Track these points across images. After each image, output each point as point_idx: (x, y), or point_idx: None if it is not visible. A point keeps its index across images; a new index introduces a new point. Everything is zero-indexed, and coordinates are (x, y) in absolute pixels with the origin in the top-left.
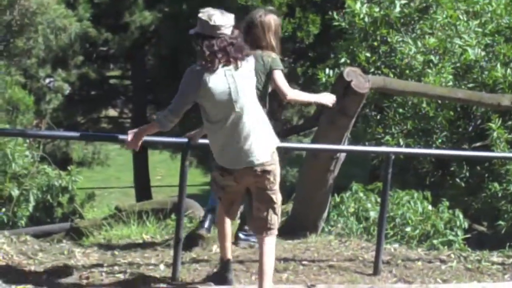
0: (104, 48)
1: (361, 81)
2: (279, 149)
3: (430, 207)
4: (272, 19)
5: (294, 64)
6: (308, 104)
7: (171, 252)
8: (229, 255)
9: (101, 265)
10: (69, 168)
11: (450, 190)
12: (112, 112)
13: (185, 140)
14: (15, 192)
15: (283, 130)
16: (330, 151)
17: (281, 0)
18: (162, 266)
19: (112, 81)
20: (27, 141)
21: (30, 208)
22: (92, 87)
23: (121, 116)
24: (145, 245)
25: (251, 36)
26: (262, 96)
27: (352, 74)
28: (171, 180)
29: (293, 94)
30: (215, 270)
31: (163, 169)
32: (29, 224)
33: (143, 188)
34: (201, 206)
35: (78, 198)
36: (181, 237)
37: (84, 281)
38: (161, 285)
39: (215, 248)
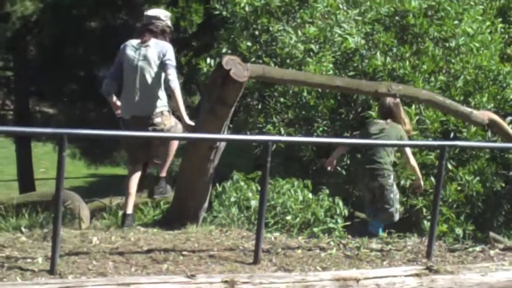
0: None
1: (240, 70)
2: None
3: (310, 195)
4: None
5: (178, 53)
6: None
7: (50, 245)
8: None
9: None
10: None
11: (331, 179)
12: None
13: (62, 130)
14: None
15: None
16: (210, 140)
17: None
18: (40, 260)
19: None
20: None
21: None
22: None
23: (3, 108)
24: (23, 239)
25: None
26: None
27: (231, 62)
28: (55, 172)
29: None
30: (94, 262)
31: (47, 161)
32: None
33: (26, 181)
34: (83, 198)
35: None
36: (59, 229)
37: None
38: (39, 278)
39: (95, 240)
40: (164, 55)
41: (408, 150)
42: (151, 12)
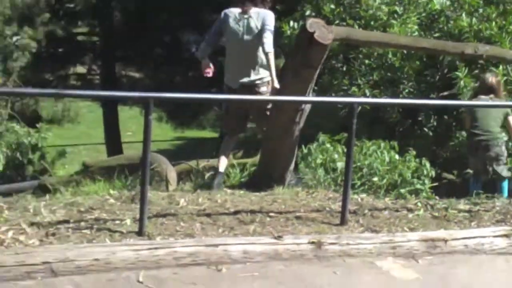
0: (71, 4)
1: (324, 32)
2: None
3: (397, 157)
4: None
5: None
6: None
7: (138, 207)
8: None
9: (67, 221)
10: (38, 126)
11: (418, 140)
12: (81, 69)
13: (148, 94)
14: None
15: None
16: (295, 102)
17: None
18: (128, 221)
19: (79, 38)
20: None
21: (0, 167)
22: (59, 45)
23: (89, 73)
24: (112, 201)
25: None
26: None
27: (315, 25)
28: (142, 136)
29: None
30: (182, 223)
31: (134, 125)
32: None
33: (114, 144)
34: (170, 160)
35: (48, 156)
36: (147, 191)
37: (50, 238)
38: (128, 240)
39: (182, 202)
40: (264, 22)
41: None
42: None
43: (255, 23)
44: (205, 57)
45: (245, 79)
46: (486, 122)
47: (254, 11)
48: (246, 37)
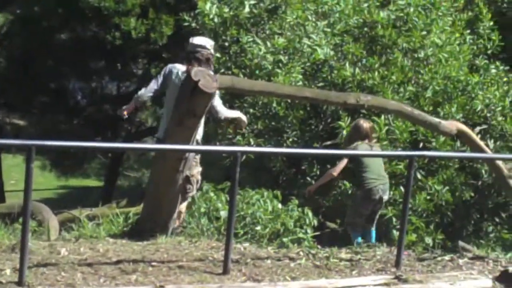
0: None
1: (208, 81)
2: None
3: (280, 206)
4: None
5: (148, 65)
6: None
7: (18, 257)
8: None
9: None
10: None
11: (301, 189)
12: None
13: (30, 142)
14: None
15: (138, 132)
16: (179, 151)
17: (134, 1)
18: (8, 271)
19: None
20: None
21: None
22: None
23: None
24: None
25: None
26: None
27: (199, 74)
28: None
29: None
30: (63, 273)
31: (17, 173)
32: None
33: None
34: (52, 209)
35: None
36: (27, 240)
37: None
38: None
39: (63, 251)
40: None
41: None
42: (197, 40)
43: None
44: (137, 102)
45: None
46: (378, 168)
47: None
48: None
